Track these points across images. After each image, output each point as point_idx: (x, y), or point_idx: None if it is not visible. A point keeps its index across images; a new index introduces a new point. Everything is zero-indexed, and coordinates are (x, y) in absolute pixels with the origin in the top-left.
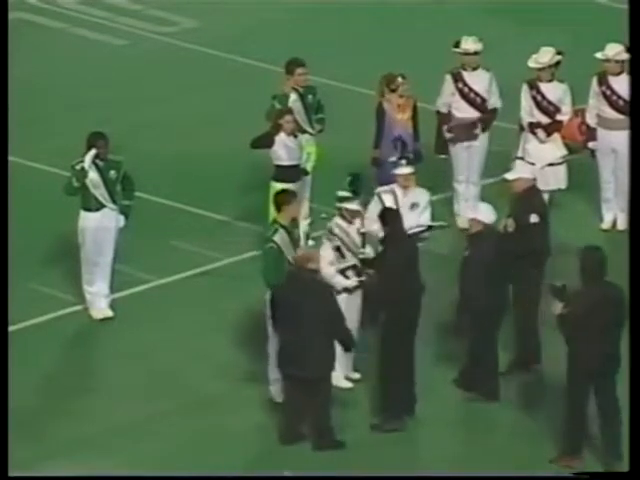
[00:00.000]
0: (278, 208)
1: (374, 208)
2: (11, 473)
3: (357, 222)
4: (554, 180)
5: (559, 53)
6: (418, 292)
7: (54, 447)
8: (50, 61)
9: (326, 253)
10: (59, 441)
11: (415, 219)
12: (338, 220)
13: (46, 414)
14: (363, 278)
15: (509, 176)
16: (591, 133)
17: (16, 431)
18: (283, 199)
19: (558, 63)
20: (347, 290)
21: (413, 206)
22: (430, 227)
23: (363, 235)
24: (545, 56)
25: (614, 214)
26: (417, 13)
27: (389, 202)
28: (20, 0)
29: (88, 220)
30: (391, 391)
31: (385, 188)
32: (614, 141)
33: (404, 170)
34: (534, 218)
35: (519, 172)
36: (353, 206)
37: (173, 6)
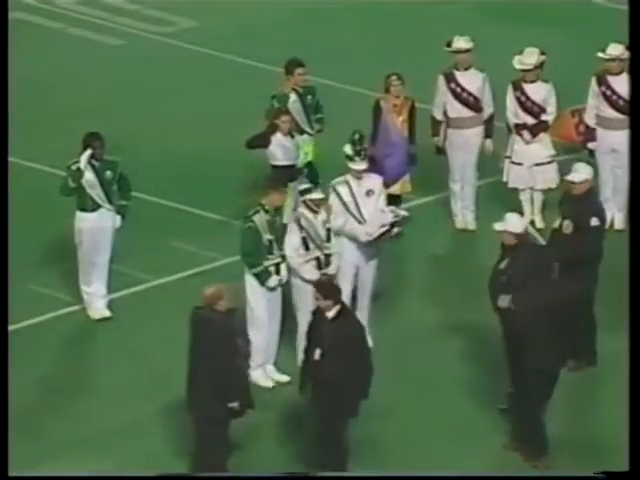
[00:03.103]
0: (266, 190)
1: (334, 201)
2: (11, 473)
3: (323, 212)
4: (542, 180)
5: (542, 53)
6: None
7: (54, 447)
8: (48, 61)
9: (293, 240)
10: (59, 441)
11: (373, 205)
12: (304, 211)
13: (46, 414)
14: (326, 271)
15: (574, 178)
16: (590, 133)
17: (16, 431)
18: (271, 184)
19: (542, 63)
20: (311, 282)
21: (368, 193)
22: (395, 223)
23: (328, 229)
24: (531, 57)
25: (612, 214)
26: (417, 13)
27: (344, 193)
28: (18, 0)
29: (85, 221)
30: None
31: (339, 179)
32: (614, 141)
33: (359, 166)
34: (595, 221)
35: (585, 173)
36: (317, 195)
37: (171, 6)
